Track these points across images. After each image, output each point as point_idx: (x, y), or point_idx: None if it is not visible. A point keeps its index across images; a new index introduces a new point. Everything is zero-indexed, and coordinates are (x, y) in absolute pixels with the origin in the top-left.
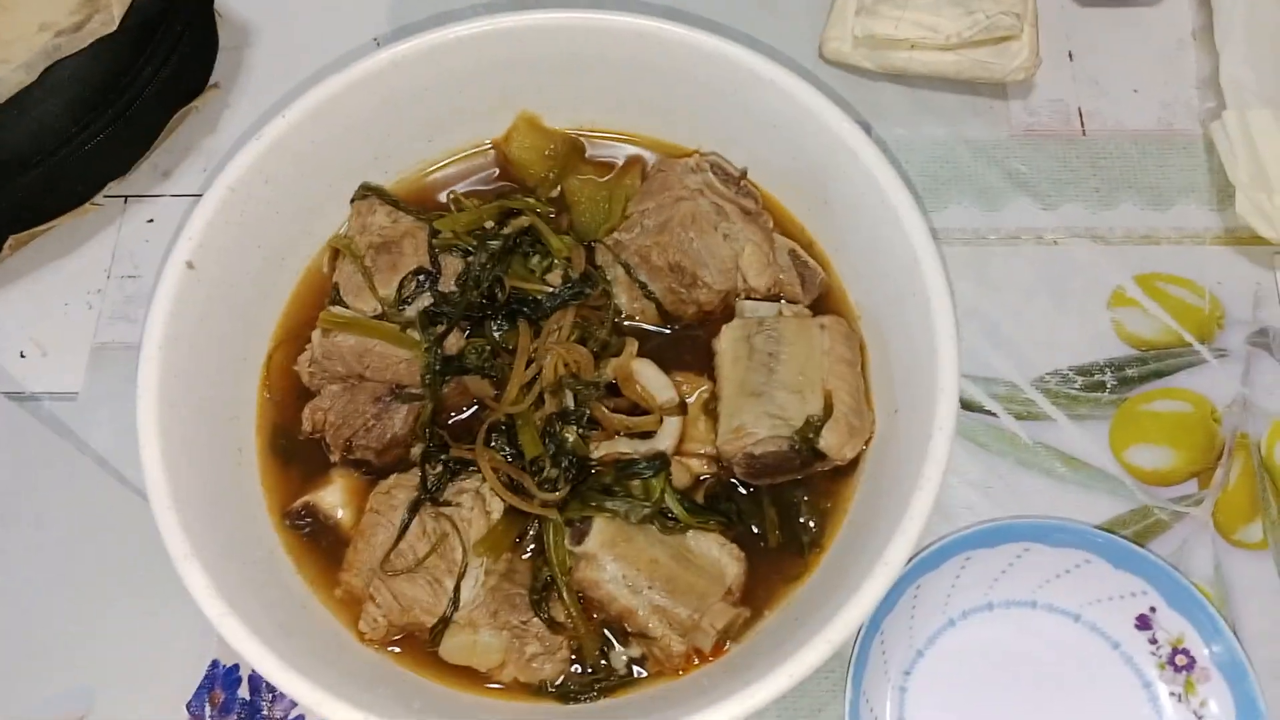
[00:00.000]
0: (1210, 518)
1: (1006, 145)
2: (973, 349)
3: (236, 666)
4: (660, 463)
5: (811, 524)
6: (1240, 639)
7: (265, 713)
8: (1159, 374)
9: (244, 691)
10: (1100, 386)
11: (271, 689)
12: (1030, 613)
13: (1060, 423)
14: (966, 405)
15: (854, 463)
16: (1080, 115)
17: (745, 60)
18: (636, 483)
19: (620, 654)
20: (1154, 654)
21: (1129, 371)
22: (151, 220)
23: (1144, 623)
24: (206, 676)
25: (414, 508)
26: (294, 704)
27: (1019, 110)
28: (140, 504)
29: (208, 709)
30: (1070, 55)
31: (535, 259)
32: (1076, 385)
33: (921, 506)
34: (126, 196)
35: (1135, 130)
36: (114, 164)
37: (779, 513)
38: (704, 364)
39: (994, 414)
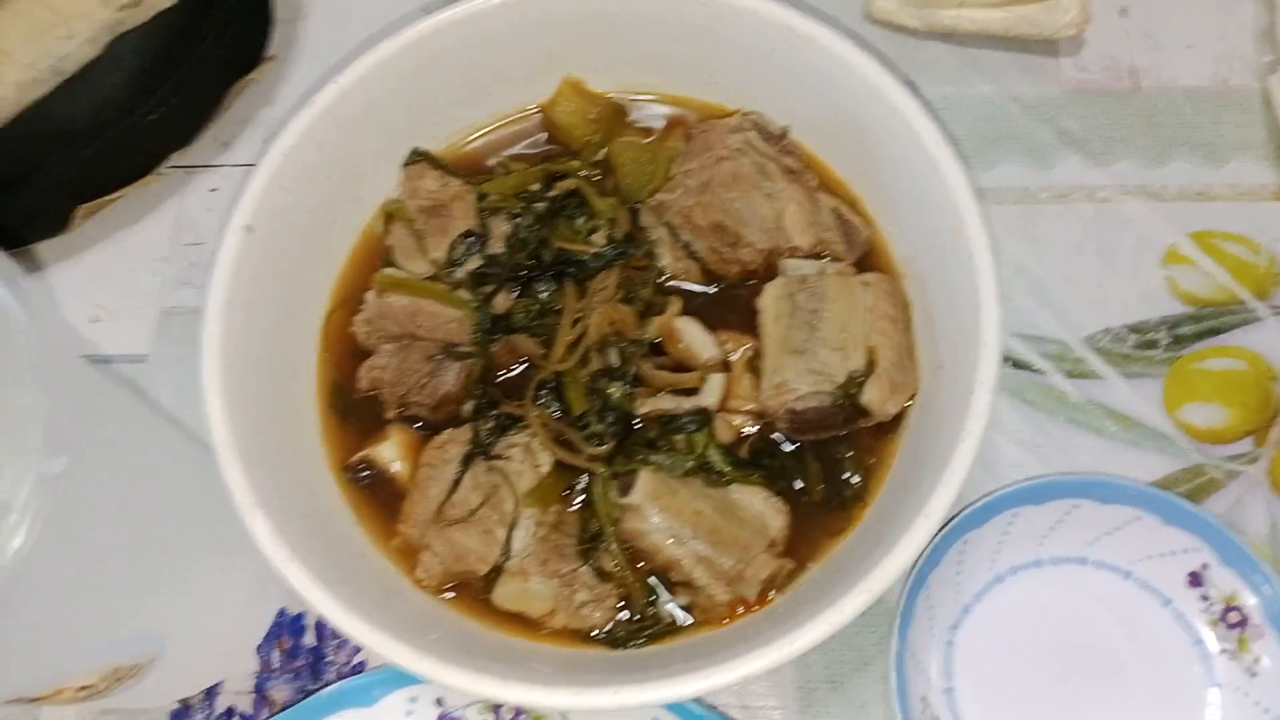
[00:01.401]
0: (1266, 476)
1: (1057, 102)
2: (1022, 308)
3: (302, 615)
4: (703, 418)
5: (855, 479)
6: None
7: (329, 658)
8: (1214, 331)
9: (310, 639)
10: (1153, 344)
11: (335, 636)
12: (1080, 569)
13: (1111, 380)
14: (1016, 363)
15: (898, 419)
16: (1133, 72)
17: (784, 18)
18: (680, 437)
19: (666, 602)
20: (1205, 611)
21: (1183, 329)
22: (214, 189)
23: (1196, 580)
24: (274, 624)
25: (466, 461)
26: (356, 650)
27: (1069, 67)
28: (209, 460)
29: (275, 654)
30: (1123, 10)
31: (580, 221)
32: (1129, 343)
33: (963, 459)
34: (189, 167)
35: (1189, 86)
36: (175, 135)
37: (823, 468)
38: (748, 323)
39: (1043, 371)
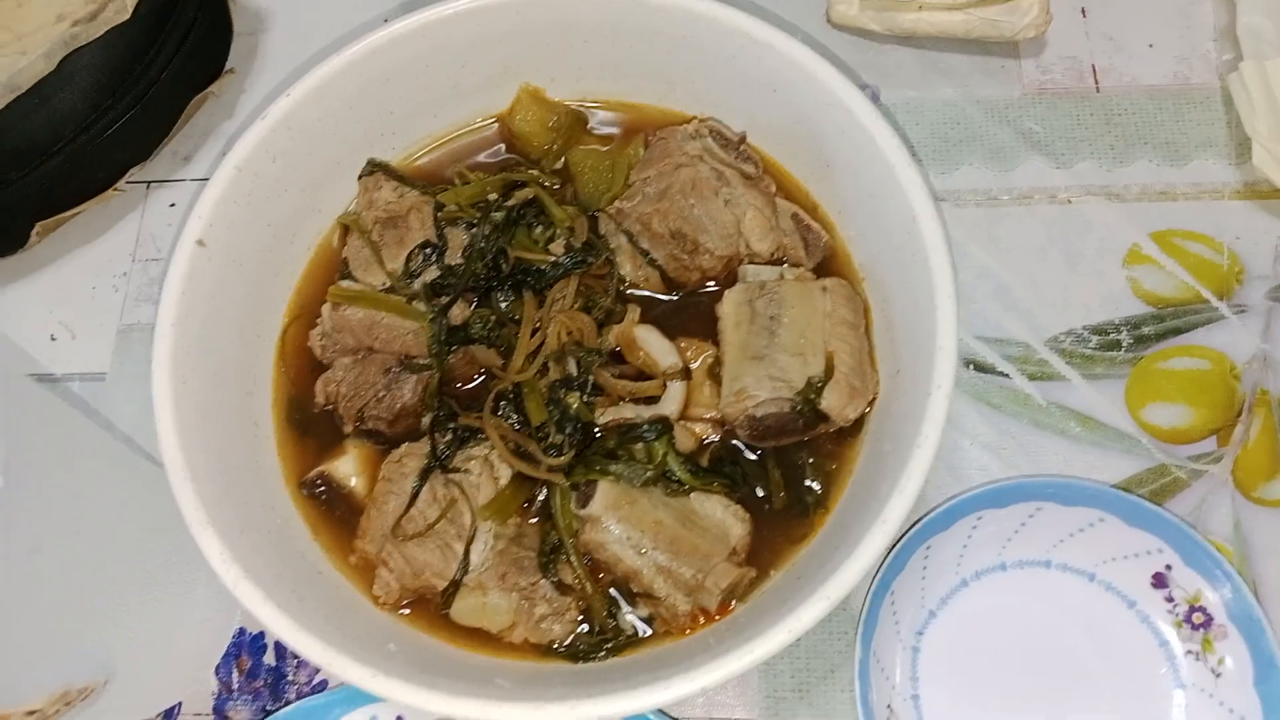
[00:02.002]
0: (1230, 475)
1: (1019, 104)
2: (985, 311)
3: (262, 634)
4: (662, 426)
5: (816, 485)
6: (1259, 596)
7: (290, 678)
8: (1177, 331)
9: (269, 658)
10: (1116, 345)
11: (296, 655)
12: (1044, 572)
13: (1075, 383)
14: (979, 367)
15: (858, 424)
16: (1094, 72)
17: (741, 24)
18: (639, 446)
19: (627, 614)
20: (1170, 612)
21: (1145, 330)
22: (173, 204)
23: (1160, 581)
24: (233, 643)
25: (424, 475)
26: (318, 670)
27: (1031, 68)
28: (162, 479)
29: (235, 674)
30: (1083, 11)
31: (539, 230)
32: (1092, 344)
33: (920, 464)
34: (149, 182)
35: (1150, 85)
36: (134, 150)
37: (784, 475)
38: (708, 330)
39: (1007, 375)
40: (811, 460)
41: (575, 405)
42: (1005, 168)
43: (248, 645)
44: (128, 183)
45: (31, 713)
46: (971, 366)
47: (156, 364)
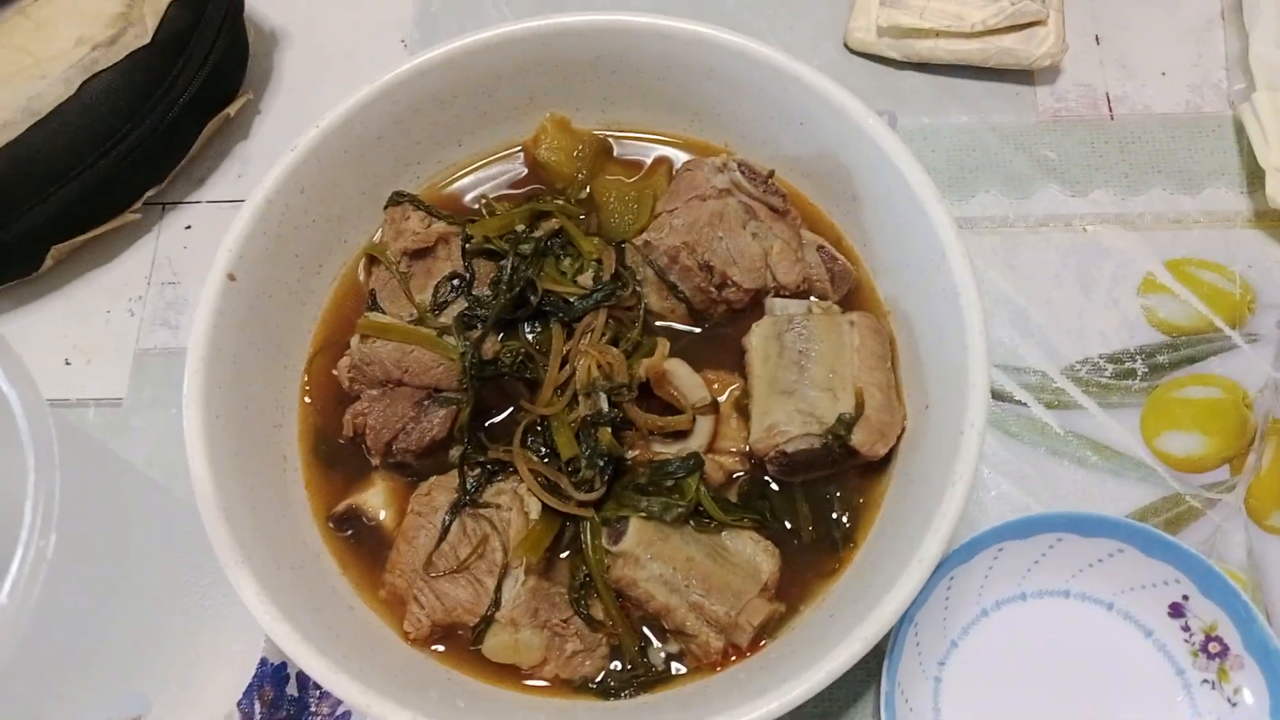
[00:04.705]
0: (1243, 504)
1: (1034, 131)
2: (1002, 339)
3: (284, 664)
4: (694, 462)
5: (845, 520)
6: (1273, 624)
7: (313, 709)
8: (1190, 360)
9: (292, 689)
10: (1131, 374)
11: (319, 685)
12: (1064, 602)
13: (1091, 411)
14: (997, 395)
15: (886, 458)
16: (1108, 100)
17: (770, 58)
18: (671, 482)
19: (658, 651)
20: (1187, 642)
21: (1160, 358)
22: (189, 227)
23: (1177, 610)
24: (256, 675)
25: (454, 509)
26: (341, 700)
27: (1046, 96)
28: (185, 508)
29: (257, 706)
30: (1097, 39)
31: (566, 261)
32: (1107, 373)
33: (954, 504)
34: (164, 204)
35: (1164, 114)
36: (151, 173)
37: (812, 509)
38: (735, 362)
39: (1025, 404)
40: (839, 494)
41: (606, 440)
42: (1021, 195)
43: (270, 675)
44: (143, 205)
45: None
46: (992, 395)
47: (188, 400)
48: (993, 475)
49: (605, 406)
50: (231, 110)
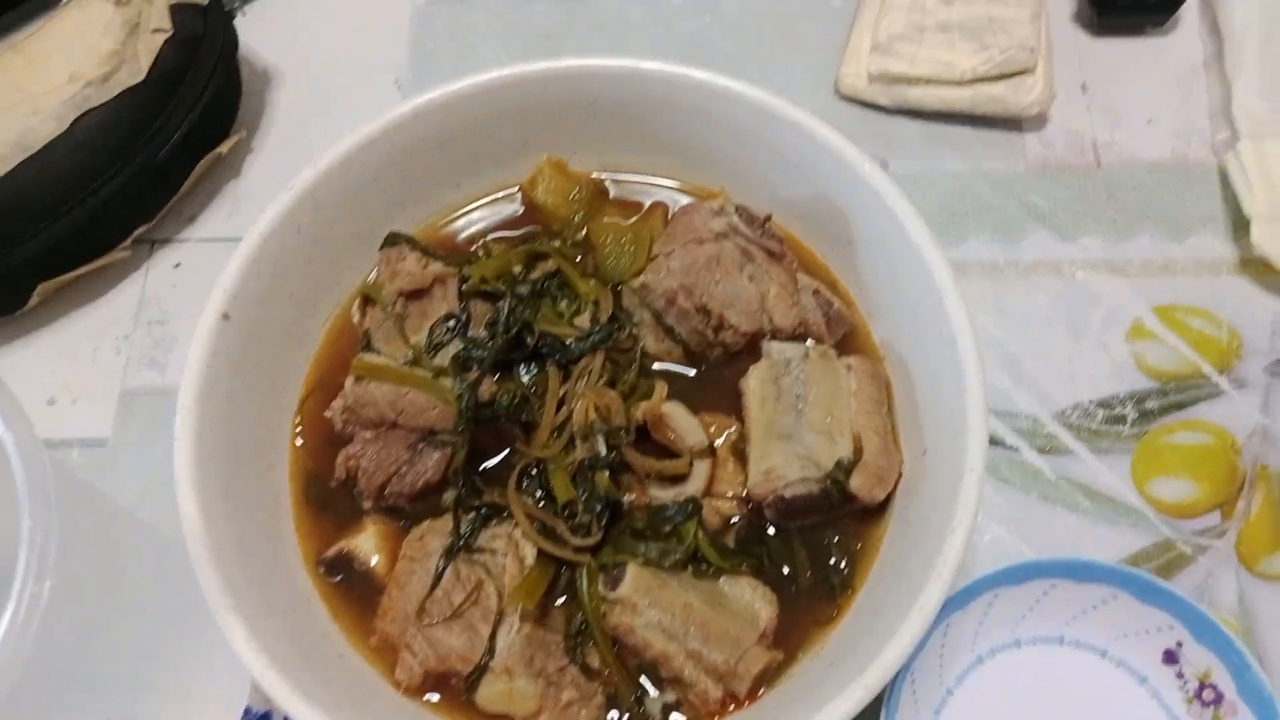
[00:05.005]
0: (1234, 550)
1: (1023, 178)
2: (993, 383)
3: (269, 714)
4: (692, 508)
5: (843, 566)
6: (1266, 671)
7: None
8: (1179, 405)
9: None
10: (1121, 420)
11: None
12: (1058, 649)
13: (1082, 456)
14: (990, 440)
15: (884, 504)
16: (1095, 147)
17: (767, 103)
18: (669, 527)
19: (655, 700)
20: (1181, 689)
21: (1149, 404)
22: (178, 265)
23: (1170, 657)
24: None
25: (448, 554)
26: None
27: (1034, 143)
28: (173, 545)
29: None
30: (1084, 87)
31: (564, 303)
32: (1098, 419)
33: (955, 550)
34: (153, 241)
35: (1150, 161)
36: (141, 211)
37: (810, 555)
38: (731, 404)
39: (1016, 449)
40: (837, 539)
41: (604, 484)
42: (1011, 240)
43: None
44: (132, 243)
45: None
46: None
47: (179, 440)
48: (986, 520)
49: (603, 450)
50: (224, 149)
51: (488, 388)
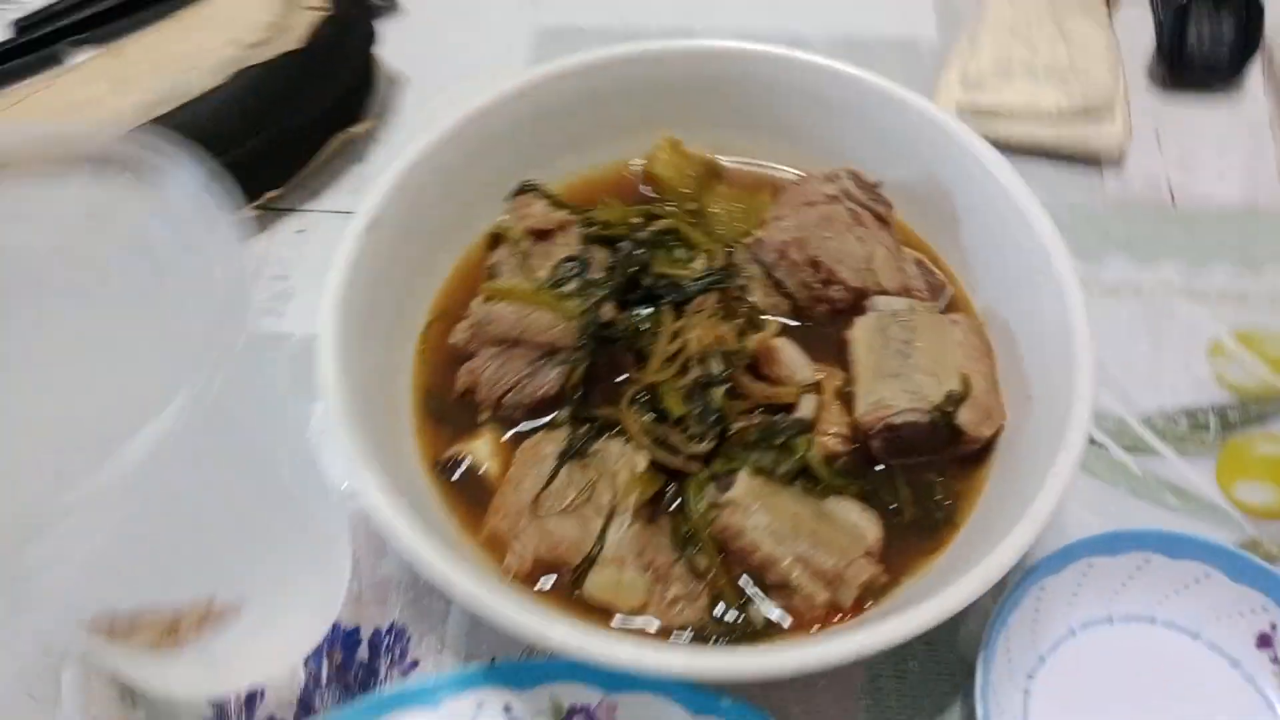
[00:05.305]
0: None
1: (1102, 211)
2: None
3: (357, 629)
4: (804, 425)
5: (946, 503)
6: None
7: (383, 675)
8: (1261, 418)
9: (363, 653)
10: (1204, 427)
11: (391, 650)
12: (1149, 629)
13: (1168, 457)
14: None
15: (985, 452)
16: (1170, 188)
17: (883, 86)
18: (781, 440)
19: (758, 606)
20: (1276, 674)
21: (1231, 416)
22: (302, 231)
23: (1265, 641)
24: (327, 637)
25: (562, 457)
26: (413, 665)
27: (1113, 181)
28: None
29: (325, 667)
30: (1158, 136)
31: (679, 252)
32: (1183, 425)
33: (1059, 480)
34: (278, 209)
35: (1222, 205)
36: (272, 174)
37: (913, 492)
38: (835, 359)
39: (1104, 445)
40: (939, 480)
41: (718, 399)
42: (1092, 263)
43: (342, 640)
44: (258, 207)
45: (168, 631)
46: None
47: (326, 320)
48: (1074, 507)
49: (717, 370)
50: (359, 129)
51: (608, 311)
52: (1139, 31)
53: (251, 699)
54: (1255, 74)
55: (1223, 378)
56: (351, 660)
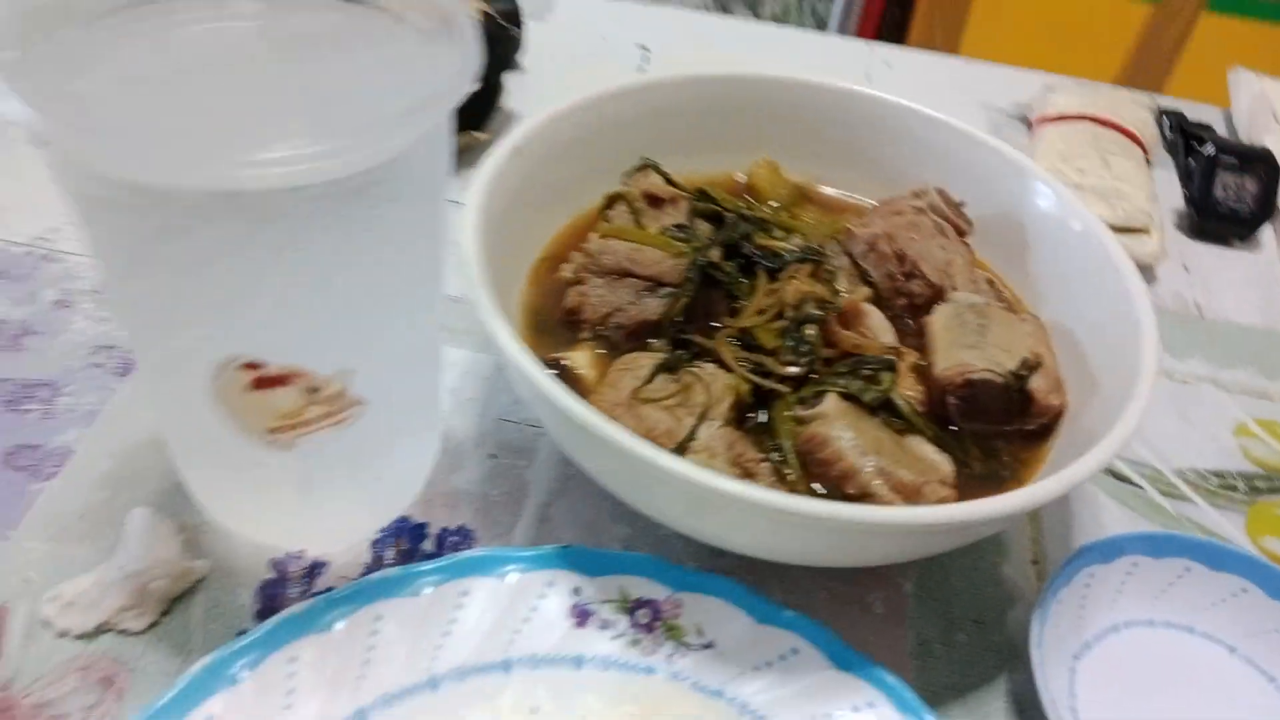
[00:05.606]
0: None
1: None
2: None
3: (425, 524)
4: (890, 361)
5: (1013, 464)
6: None
7: None
8: None
9: (428, 545)
10: (1233, 488)
11: (457, 549)
12: (1189, 638)
13: (1200, 505)
14: (1116, 475)
15: (1049, 431)
16: (1197, 305)
17: (969, 131)
18: (869, 372)
19: None
20: None
21: (1259, 484)
22: None
23: None
24: (395, 525)
25: (658, 368)
26: None
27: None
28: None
29: (390, 552)
30: (1185, 267)
31: (777, 233)
32: (1213, 483)
33: (1127, 425)
34: None
35: (1244, 324)
36: None
37: (981, 452)
38: (913, 343)
39: (1141, 487)
40: (1006, 447)
41: (812, 334)
42: None
43: (409, 531)
44: None
45: (310, 391)
46: (1110, 474)
47: (467, 219)
48: (1115, 527)
49: (812, 311)
50: (481, 136)
51: (714, 253)
52: (1167, 184)
53: (314, 568)
54: (1269, 232)
55: (1248, 452)
56: (415, 551)
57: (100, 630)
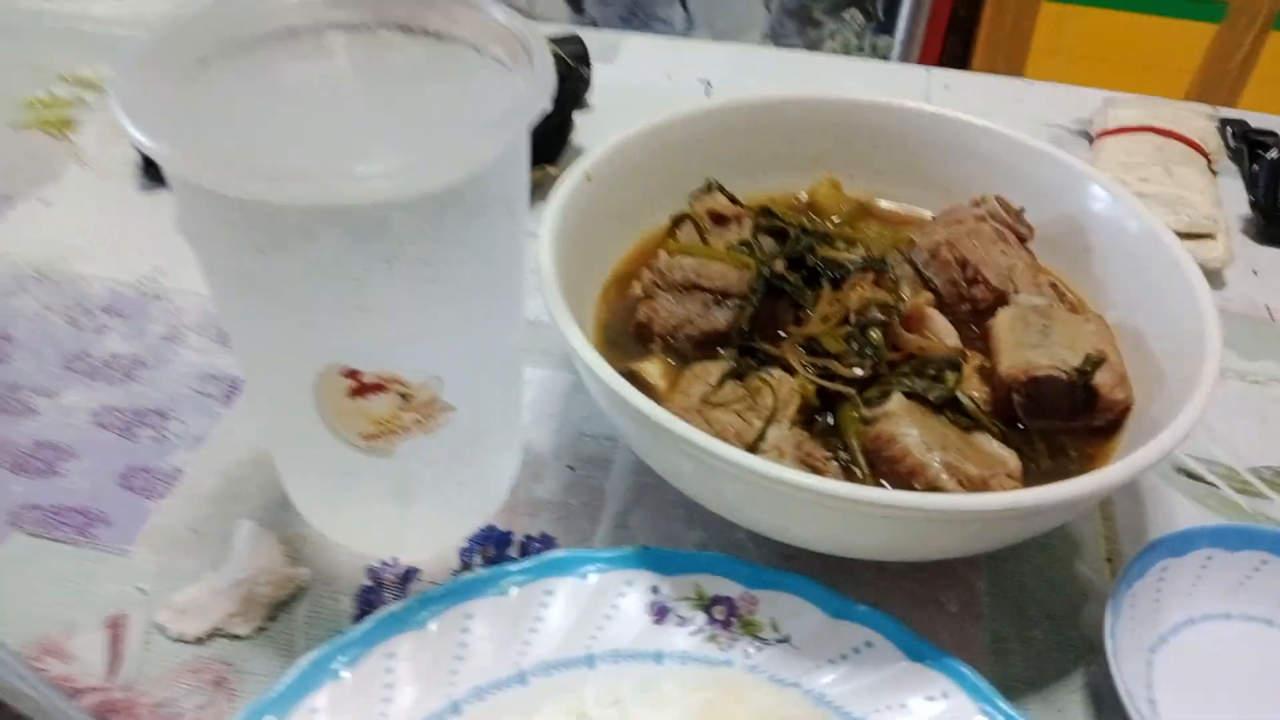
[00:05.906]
0: None
1: None
2: (1193, 438)
3: (510, 532)
4: (955, 361)
5: (1080, 461)
6: None
7: None
8: None
9: (512, 552)
10: None
11: (539, 554)
12: (1267, 631)
13: (1276, 501)
14: (1190, 475)
15: (1116, 427)
16: (1269, 309)
17: (1029, 143)
18: (934, 372)
19: None
20: None
21: None
22: None
23: None
24: (481, 533)
25: (728, 375)
26: None
27: (1216, 297)
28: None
29: (477, 559)
30: (1255, 271)
31: (840, 244)
32: None
33: (1194, 407)
34: None
35: None
36: None
37: (1048, 449)
38: (976, 349)
39: (1215, 485)
40: (1073, 444)
41: (876, 338)
42: None
43: (495, 539)
44: None
45: (404, 396)
46: (1183, 473)
47: (546, 230)
48: (1186, 524)
49: (877, 315)
50: (553, 170)
51: (779, 265)
52: (1233, 191)
53: (408, 575)
54: None
55: None
56: (501, 558)
57: (210, 635)
